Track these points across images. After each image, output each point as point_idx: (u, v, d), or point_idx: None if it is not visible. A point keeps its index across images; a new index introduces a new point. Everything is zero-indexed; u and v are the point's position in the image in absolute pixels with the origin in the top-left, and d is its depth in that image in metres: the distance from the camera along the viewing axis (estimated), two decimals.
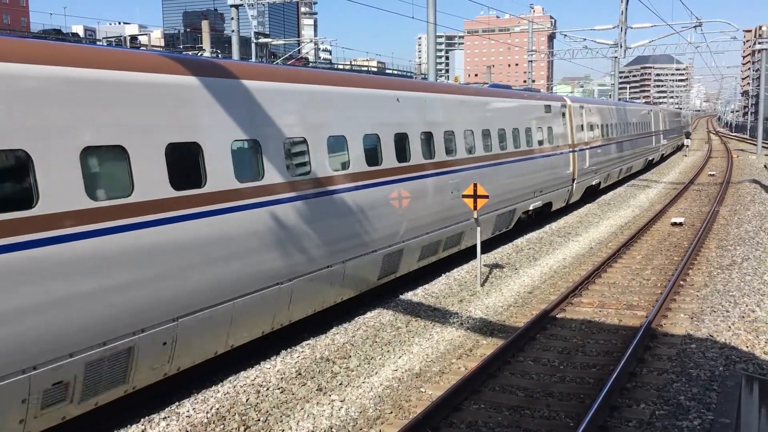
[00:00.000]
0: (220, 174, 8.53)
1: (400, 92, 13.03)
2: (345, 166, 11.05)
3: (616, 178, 32.15)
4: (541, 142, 20.30)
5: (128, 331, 7.33)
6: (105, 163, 7.27)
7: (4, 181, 6.33)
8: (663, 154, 51.26)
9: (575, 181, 23.79)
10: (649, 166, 44.18)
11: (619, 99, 59.35)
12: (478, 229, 14.08)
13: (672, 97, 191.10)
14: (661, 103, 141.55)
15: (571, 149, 23.28)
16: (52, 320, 6.56)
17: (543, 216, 21.74)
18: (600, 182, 28.04)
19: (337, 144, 10.91)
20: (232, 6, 31.75)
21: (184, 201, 8.00)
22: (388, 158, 12.19)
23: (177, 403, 8.27)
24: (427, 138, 13.63)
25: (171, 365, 8.14)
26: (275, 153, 9.51)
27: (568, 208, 24.35)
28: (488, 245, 17.49)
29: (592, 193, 27.57)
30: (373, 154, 11.83)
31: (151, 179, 7.63)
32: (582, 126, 24.92)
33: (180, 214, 7.93)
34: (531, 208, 19.55)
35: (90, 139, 7.02)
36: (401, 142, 12.67)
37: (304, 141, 10.17)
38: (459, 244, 15.49)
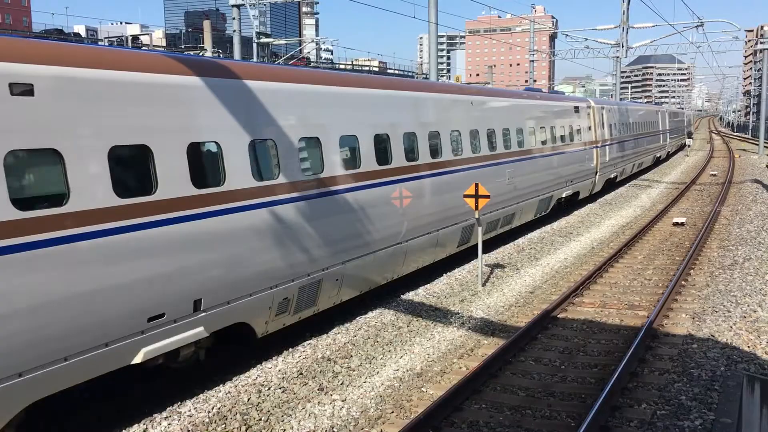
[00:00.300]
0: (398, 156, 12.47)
1: (481, 97, 16.88)
2: (457, 152, 14.83)
3: (630, 172, 35.19)
4: (572, 139, 23.25)
5: (319, 268, 10.19)
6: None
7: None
8: (669, 152, 53.35)
9: (597, 174, 26.71)
10: (657, 162, 46.36)
11: (621, 99, 59.66)
12: (480, 229, 14.08)
13: (674, 97, 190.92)
14: (663, 103, 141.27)
15: (594, 145, 26.16)
16: (285, 258, 9.42)
17: (571, 203, 24.59)
18: (617, 175, 31.09)
19: (474, 137, 15.70)
20: (233, 6, 31.75)
21: (378, 173, 11.79)
22: (474, 149, 15.69)
23: (179, 403, 8.28)
24: (491, 134, 16.66)
25: (338, 296, 11.07)
26: (448, 141, 14.32)
27: (571, 207, 24.34)
28: (489, 245, 17.49)
29: (609, 186, 30.27)
30: (467, 146, 15.47)
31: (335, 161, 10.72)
32: (603, 125, 27.86)
33: (366, 183, 11.39)
34: (564, 195, 22.63)
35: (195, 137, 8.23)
36: (488, 137, 16.46)
37: (420, 135, 13.47)
38: (511, 223, 18.40)
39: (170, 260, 7.67)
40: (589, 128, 25.81)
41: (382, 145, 12.03)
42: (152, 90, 7.69)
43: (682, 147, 64.66)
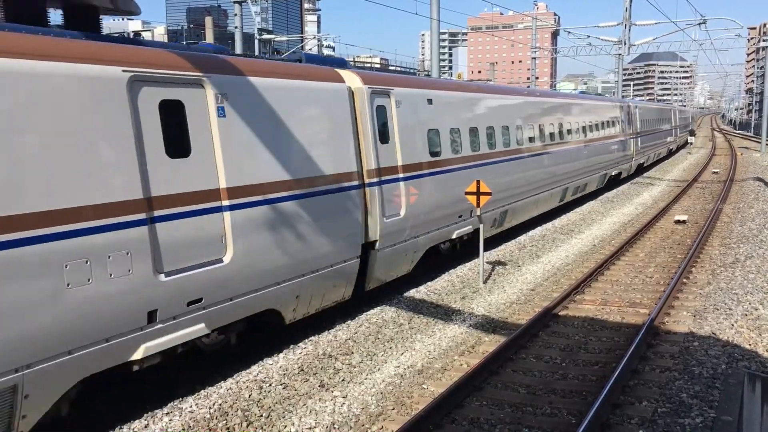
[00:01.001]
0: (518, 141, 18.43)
1: (562, 101, 23.28)
2: (552, 138, 21.25)
3: (652, 159, 42.37)
4: (618, 130, 30.23)
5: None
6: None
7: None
8: (678, 145, 60.52)
9: (633, 159, 33.93)
10: (669, 154, 52.99)
11: (623, 96, 60.19)
12: (481, 226, 14.08)
13: (676, 94, 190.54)
14: (665, 100, 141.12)
15: (632, 136, 33.53)
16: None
17: (615, 182, 31.03)
18: (644, 162, 38.10)
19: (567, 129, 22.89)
20: (235, 2, 31.73)
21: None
22: (560, 137, 21.99)
23: (180, 399, 8.29)
24: (569, 129, 22.98)
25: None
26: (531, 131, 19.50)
27: (574, 204, 24.34)
28: (492, 242, 17.49)
29: (638, 170, 36.51)
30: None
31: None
32: (638, 120, 35.26)
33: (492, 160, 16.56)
34: (613, 173, 29.50)
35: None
36: (564, 130, 22.48)
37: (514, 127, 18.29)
38: (585, 189, 25.67)
39: None
40: (630, 122, 33.07)
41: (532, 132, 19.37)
42: None
43: (686, 143, 64.66)
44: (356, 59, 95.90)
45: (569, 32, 49.75)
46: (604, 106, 28.56)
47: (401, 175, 12.28)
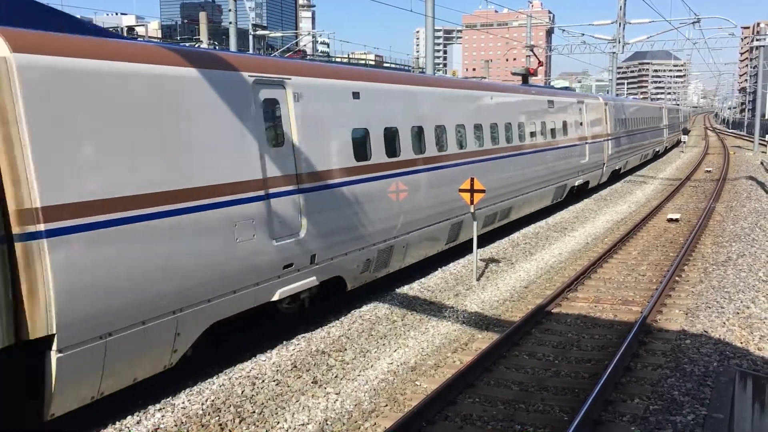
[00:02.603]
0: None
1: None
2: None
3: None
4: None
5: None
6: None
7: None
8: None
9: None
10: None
11: (617, 95, 60.05)
12: (475, 224, 14.09)
13: (669, 93, 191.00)
14: (658, 99, 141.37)
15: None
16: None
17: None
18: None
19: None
20: None
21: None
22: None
23: (172, 395, 8.28)
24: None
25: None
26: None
27: (567, 202, 24.38)
28: (485, 239, 17.51)
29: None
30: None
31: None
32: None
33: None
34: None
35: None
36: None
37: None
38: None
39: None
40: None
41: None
42: None
43: (678, 143, 64.82)
44: (351, 56, 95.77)
45: (564, 30, 49.81)
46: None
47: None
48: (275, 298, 9.52)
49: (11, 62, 6.39)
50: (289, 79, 9.95)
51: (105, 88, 7.14)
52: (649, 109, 44.51)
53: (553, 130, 21.51)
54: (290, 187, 9.63)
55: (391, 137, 12.32)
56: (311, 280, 10.21)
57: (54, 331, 6.57)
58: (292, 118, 9.87)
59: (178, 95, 7.99)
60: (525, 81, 27.07)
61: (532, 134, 19.61)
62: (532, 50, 38.39)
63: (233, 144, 8.69)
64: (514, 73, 28.41)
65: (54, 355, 6.64)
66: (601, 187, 29.34)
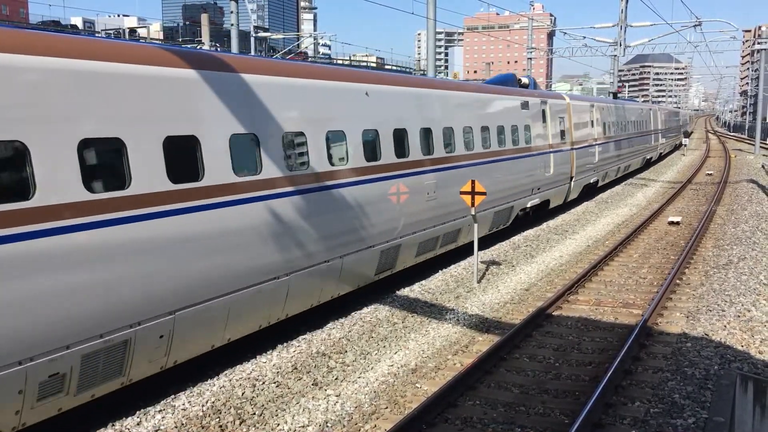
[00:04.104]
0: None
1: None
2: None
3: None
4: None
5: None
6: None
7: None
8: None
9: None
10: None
11: (617, 97, 59.64)
12: (475, 226, 14.09)
13: (671, 96, 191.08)
14: (660, 102, 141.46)
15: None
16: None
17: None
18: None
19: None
20: None
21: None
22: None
23: (173, 396, 8.28)
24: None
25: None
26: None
27: (575, 201, 24.36)
28: (486, 241, 17.51)
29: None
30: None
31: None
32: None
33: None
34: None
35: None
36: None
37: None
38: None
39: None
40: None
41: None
42: None
43: (678, 147, 64.79)
44: (352, 58, 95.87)
45: (565, 33, 49.87)
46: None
47: None
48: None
49: None
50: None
51: None
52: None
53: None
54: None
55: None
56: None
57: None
58: None
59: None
60: None
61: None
62: None
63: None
64: None
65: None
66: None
